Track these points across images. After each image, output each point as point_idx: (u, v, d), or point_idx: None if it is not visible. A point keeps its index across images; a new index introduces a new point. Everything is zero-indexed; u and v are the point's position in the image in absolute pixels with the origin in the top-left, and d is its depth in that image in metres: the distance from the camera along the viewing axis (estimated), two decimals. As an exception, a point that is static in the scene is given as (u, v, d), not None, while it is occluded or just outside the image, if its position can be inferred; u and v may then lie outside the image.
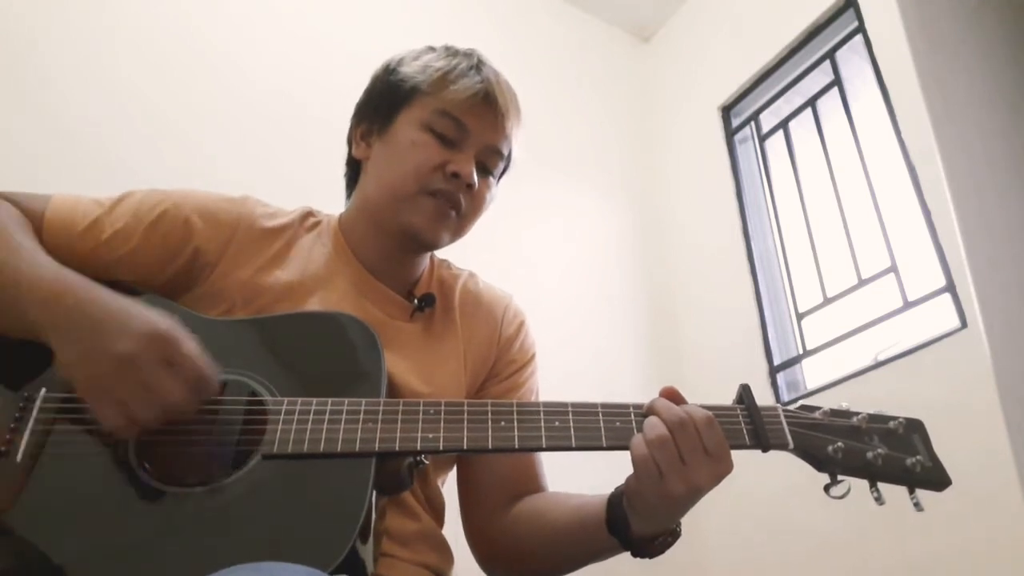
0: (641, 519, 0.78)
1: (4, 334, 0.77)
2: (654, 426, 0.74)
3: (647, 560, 0.82)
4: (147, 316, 0.73)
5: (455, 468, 1.01)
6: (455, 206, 0.94)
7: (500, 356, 1.02)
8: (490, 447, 0.75)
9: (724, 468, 0.74)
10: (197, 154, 1.84)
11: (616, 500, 0.82)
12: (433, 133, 0.93)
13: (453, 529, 0.98)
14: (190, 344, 0.72)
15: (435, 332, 0.99)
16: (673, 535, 0.81)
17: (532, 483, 0.97)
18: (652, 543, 0.80)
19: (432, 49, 1.00)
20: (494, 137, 0.97)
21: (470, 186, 0.94)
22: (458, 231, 0.98)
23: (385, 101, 0.98)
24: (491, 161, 0.98)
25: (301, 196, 1.10)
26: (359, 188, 1.01)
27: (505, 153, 1.00)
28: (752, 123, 2.71)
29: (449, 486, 1.02)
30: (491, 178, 1.00)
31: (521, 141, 1.02)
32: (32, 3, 1.77)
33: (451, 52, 0.99)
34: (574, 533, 0.87)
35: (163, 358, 0.70)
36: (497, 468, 0.96)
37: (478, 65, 0.97)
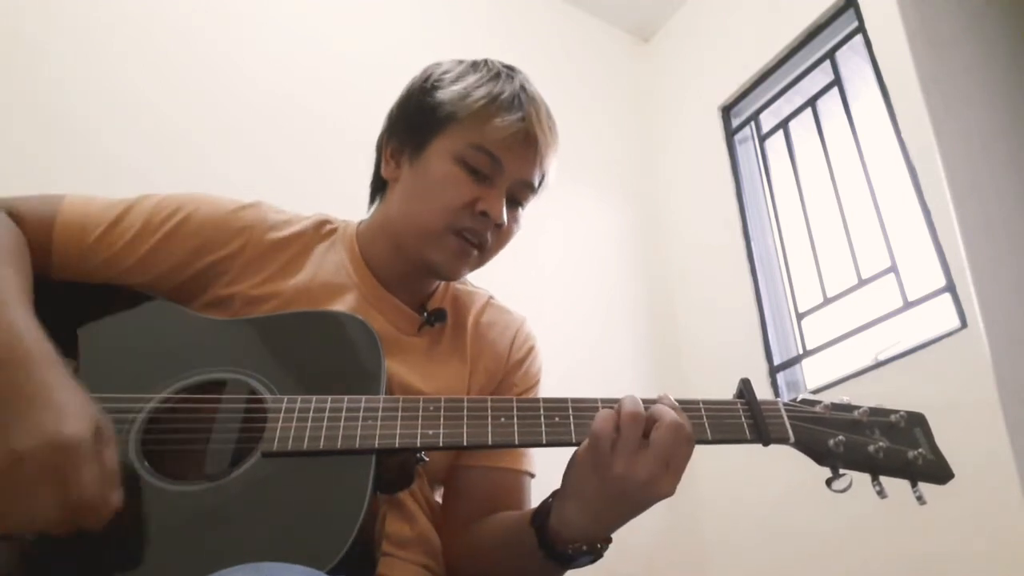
0: (567, 503, 0.76)
1: None
2: (631, 403, 0.73)
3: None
4: (67, 420, 0.63)
5: None
6: (479, 245, 0.93)
7: (505, 377, 1.01)
8: (490, 443, 0.75)
9: (666, 484, 0.71)
10: (199, 155, 1.84)
11: (546, 501, 0.80)
12: (466, 167, 0.90)
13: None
14: (93, 469, 0.62)
15: (442, 348, 0.98)
16: (593, 551, 0.77)
17: (512, 506, 0.95)
18: (567, 544, 0.76)
19: (474, 68, 0.96)
20: (528, 173, 0.94)
21: (499, 225, 0.92)
22: (478, 265, 0.97)
23: (419, 123, 0.94)
24: (522, 194, 0.96)
25: (308, 200, 1.10)
26: (384, 205, 1.00)
27: (537, 185, 0.97)
28: (752, 123, 2.71)
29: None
30: (519, 209, 0.98)
31: (555, 167, 0.98)
32: (36, 4, 1.77)
33: (493, 74, 0.94)
34: (508, 537, 0.86)
35: (49, 471, 0.60)
36: (480, 485, 0.95)
37: (519, 95, 0.93)
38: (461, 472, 0.96)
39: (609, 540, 0.78)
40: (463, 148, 0.91)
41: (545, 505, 0.80)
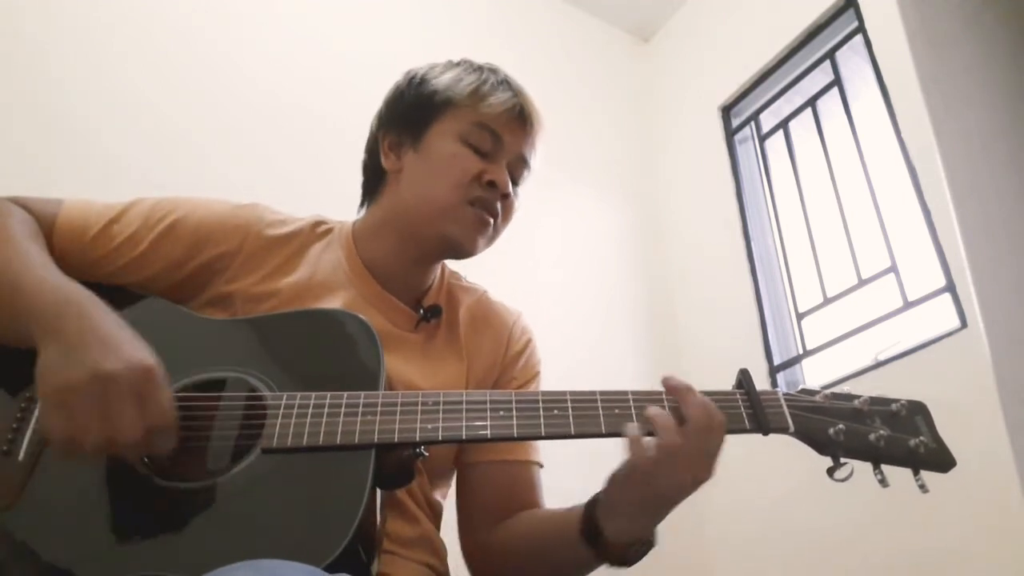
0: (617, 520, 0.78)
1: (3, 343, 0.77)
2: (669, 430, 0.73)
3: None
4: (141, 348, 0.70)
5: (454, 480, 1.01)
6: (493, 215, 0.97)
7: (504, 371, 1.02)
8: (489, 436, 0.75)
9: (708, 474, 0.74)
10: (199, 155, 1.84)
11: (591, 508, 0.81)
12: (469, 145, 0.95)
13: (451, 536, 0.98)
14: (167, 393, 0.69)
15: (438, 344, 0.99)
16: (647, 544, 0.80)
17: (528, 500, 0.96)
18: (626, 551, 0.79)
19: (455, 64, 1.02)
20: (524, 148, 0.99)
21: (506, 195, 0.96)
22: (492, 240, 1.00)
23: (415, 113, 0.99)
24: (518, 171, 1.00)
25: (307, 200, 1.11)
26: (385, 198, 1.01)
27: (531, 163, 1.02)
28: (752, 123, 2.71)
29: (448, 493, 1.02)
30: (517, 187, 1.01)
31: (541, 152, 1.04)
32: (36, 4, 1.77)
33: (475, 67, 1.01)
34: (554, 544, 0.87)
35: (137, 391, 0.66)
36: (494, 482, 0.96)
37: (506, 80, 1.00)
38: (472, 468, 0.97)
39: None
40: (465, 127, 0.96)
41: (592, 521, 0.80)
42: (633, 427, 0.74)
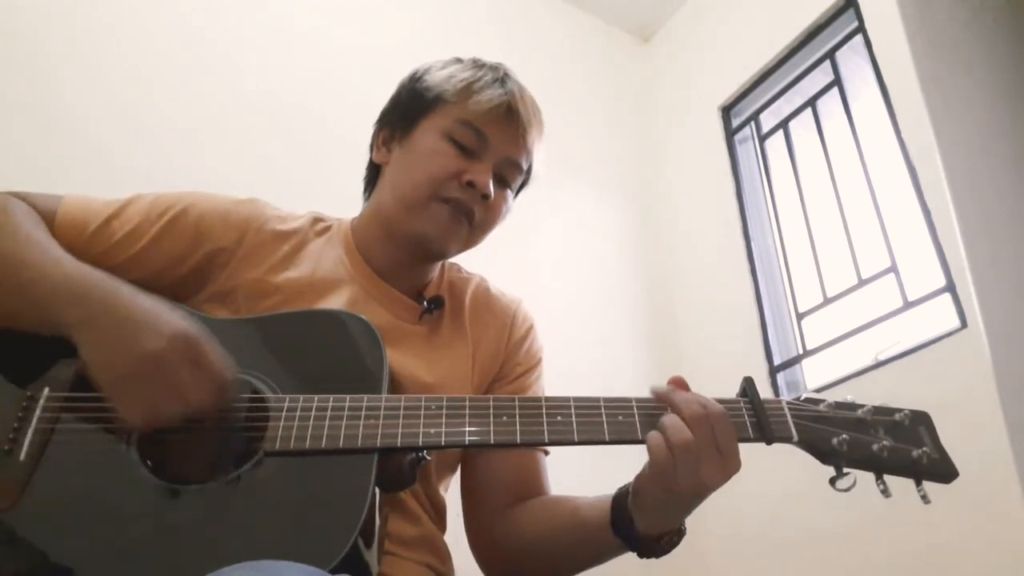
0: (648, 517, 0.78)
1: (29, 331, 0.77)
2: (679, 429, 0.73)
3: (652, 559, 0.81)
4: (173, 317, 0.74)
5: (459, 471, 1.01)
6: (468, 216, 0.94)
7: (508, 359, 1.02)
8: (492, 442, 0.75)
9: (733, 466, 0.73)
10: (199, 154, 1.84)
11: (621, 500, 0.81)
12: (453, 142, 0.94)
13: (454, 536, 0.99)
14: (215, 348, 0.73)
15: (443, 334, 0.99)
16: (679, 534, 0.81)
17: (536, 486, 0.96)
18: (658, 542, 0.80)
19: (459, 60, 1.01)
20: (514, 150, 0.97)
21: (485, 196, 0.94)
22: (469, 242, 0.98)
23: (409, 108, 0.98)
24: (509, 174, 0.98)
25: (307, 200, 1.11)
26: (375, 193, 1.02)
27: (524, 167, 1.00)
28: (752, 123, 2.71)
29: (452, 491, 1.02)
30: (508, 191, 0.99)
31: (543, 156, 1.02)
32: (35, 4, 1.77)
33: (478, 64, 0.99)
34: (577, 534, 0.87)
35: (189, 359, 0.71)
36: (501, 470, 0.96)
37: (503, 78, 0.98)
38: (478, 458, 0.97)
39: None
40: (449, 124, 0.94)
41: (622, 514, 0.80)
42: (654, 434, 0.74)
